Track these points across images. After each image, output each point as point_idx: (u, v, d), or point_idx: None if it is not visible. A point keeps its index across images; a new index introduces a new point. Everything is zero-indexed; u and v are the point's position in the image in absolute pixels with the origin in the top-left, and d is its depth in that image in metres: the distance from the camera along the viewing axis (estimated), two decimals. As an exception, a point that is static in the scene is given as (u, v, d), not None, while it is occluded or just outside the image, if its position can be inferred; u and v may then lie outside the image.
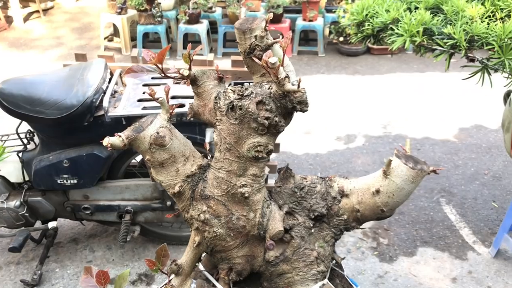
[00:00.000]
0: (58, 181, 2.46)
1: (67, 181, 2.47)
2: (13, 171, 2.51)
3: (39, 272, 2.62)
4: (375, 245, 2.92)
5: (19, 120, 2.46)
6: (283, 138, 4.00)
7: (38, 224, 2.74)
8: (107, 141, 1.27)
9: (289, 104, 1.30)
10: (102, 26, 6.13)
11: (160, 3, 5.81)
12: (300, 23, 5.84)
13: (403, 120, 4.38)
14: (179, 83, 2.45)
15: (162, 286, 1.50)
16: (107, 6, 6.04)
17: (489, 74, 1.87)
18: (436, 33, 1.87)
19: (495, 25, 1.80)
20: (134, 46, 6.09)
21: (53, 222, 2.69)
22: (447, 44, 1.82)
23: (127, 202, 2.58)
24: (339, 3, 6.14)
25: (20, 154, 2.46)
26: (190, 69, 1.32)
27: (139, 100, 2.36)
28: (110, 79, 2.48)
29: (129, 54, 5.82)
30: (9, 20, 7.08)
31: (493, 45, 1.78)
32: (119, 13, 5.88)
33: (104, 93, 2.36)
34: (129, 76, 1.28)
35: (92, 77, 2.36)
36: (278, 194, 1.52)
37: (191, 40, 6.13)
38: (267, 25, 1.31)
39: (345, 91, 5.01)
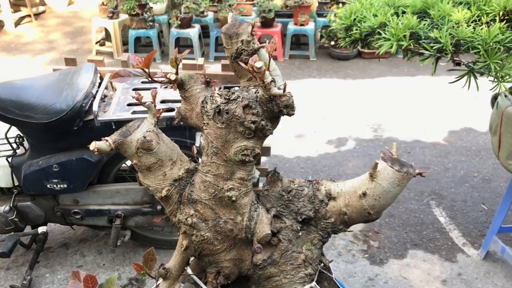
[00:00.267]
0: (48, 186, 2.45)
1: (57, 186, 2.46)
2: (2, 176, 2.50)
3: (28, 277, 2.60)
4: (366, 248, 2.93)
5: (8, 125, 2.46)
6: (275, 142, 4.02)
7: (28, 229, 2.73)
8: (94, 145, 1.27)
9: (275, 108, 1.31)
10: (94, 30, 6.12)
11: (151, 8, 5.81)
12: (292, 27, 5.87)
13: (393, 123, 4.41)
14: (166, 87, 2.46)
15: (150, 290, 1.51)
16: (98, 10, 6.04)
17: (475, 77, 1.89)
18: (423, 37, 1.88)
19: (481, 29, 1.83)
20: (126, 51, 6.09)
21: (43, 227, 2.68)
22: (434, 48, 1.83)
23: (117, 206, 2.58)
24: (330, 7, 6.17)
25: (9, 159, 2.45)
26: (177, 73, 1.33)
27: (129, 105, 2.37)
28: (100, 84, 2.48)
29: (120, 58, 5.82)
30: (0, 24, 7.05)
31: (479, 49, 1.80)
32: (111, 18, 5.87)
33: (94, 97, 2.36)
34: (116, 80, 1.28)
35: (82, 81, 2.36)
36: (265, 197, 1.52)
37: (183, 44, 6.14)
38: (254, 30, 1.32)
39: (336, 95, 5.03)
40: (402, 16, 2.04)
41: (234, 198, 1.39)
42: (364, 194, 1.45)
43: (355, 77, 5.47)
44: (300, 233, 1.50)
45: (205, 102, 1.36)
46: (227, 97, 1.30)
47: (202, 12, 5.96)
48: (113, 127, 2.30)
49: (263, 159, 3.75)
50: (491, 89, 1.87)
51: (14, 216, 2.51)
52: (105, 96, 2.47)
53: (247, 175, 1.41)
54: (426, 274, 2.73)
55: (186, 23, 5.70)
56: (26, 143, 2.53)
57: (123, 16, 5.99)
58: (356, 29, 2.11)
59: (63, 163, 2.40)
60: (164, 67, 5.73)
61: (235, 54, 1.34)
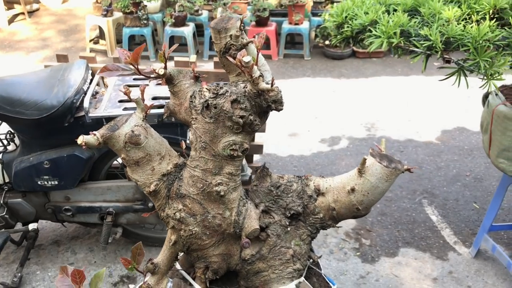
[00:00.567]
0: (39, 183, 2.45)
1: (47, 183, 2.45)
2: (-8, 173, 2.49)
3: (19, 274, 2.59)
4: (358, 246, 2.94)
5: (-1, 121, 2.45)
6: (268, 140, 4.02)
7: (18, 226, 2.72)
8: (81, 139, 1.27)
9: (264, 103, 1.31)
10: (88, 28, 6.11)
11: (146, 6, 5.80)
12: (286, 26, 5.88)
13: (387, 122, 4.42)
14: (159, 84, 2.45)
15: (139, 285, 1.50)
16: (92, 8, 6.03)
17: (465, 75, 1.90)
18: (413, 35, 1.89)
19: (471, 27, 1.84)
20: (120, 49, 6.06)
21: (34, 224, 2.67)
22: (424, 45, 1.84)
23: (109, 203, 2.57)
24: (325, 7, 6.19)
25: (0, 155, 2.44)
26: (165, 67, 1.33)
27: (120, 101, 2.37)
28: (91, 80, 2.47)
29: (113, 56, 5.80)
30: (-7, 22, 7.03)
31: (469, 46, 1.81)
32: (105, 16, 5.86)
33: (85, 94, 2.35)
34: (104, 74, 1.28)
35: (73, 77, 2.35)
36: (254, 192, 1.53)
37: (177, 43, 6.13)
38: (242, 24, 1.32)
39: (330, 94, 5.04)
40: (393, 14, 2.05)
41: (222, 193, 1.39)
42: (353, 189, 1.46)
43: (349, 77, 5.48)
44: (288, 228, 1.51)
45: (193, 96, 1.36)
46: (216, 92, 1.30)
47: (197, 11, 5.95)
48: (104, 123, 2.28)
49: (256, 157, 3.75)
50: (480, 87, 1.88)
51: (4, 213, 2.50)
52: (97, 92, 2.46)
53: (236, 170, 1.41)
54: (417, 272, 2.74)
55: (180, 22, 5.70)
56: (17, 140, 2.52)
57: (117, 14, 5.98)
58: (348, 27, 2.11)
59: (54, 160, 2.39)
60: (159, 65, 5.71)
61: (223, 49, 1.34)
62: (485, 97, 2.51)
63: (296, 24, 5.83)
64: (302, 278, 1.56)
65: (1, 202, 2.49)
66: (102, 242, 2.58)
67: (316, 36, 6.12)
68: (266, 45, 5.97)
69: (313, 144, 4.09)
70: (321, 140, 4.16)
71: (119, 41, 6.12)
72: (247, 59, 1.19)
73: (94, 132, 1.31)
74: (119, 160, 2.72)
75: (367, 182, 1.44)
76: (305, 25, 5.85)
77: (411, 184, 3.52)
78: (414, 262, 2.81)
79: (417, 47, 1.87)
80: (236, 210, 1.45)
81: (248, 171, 2.74)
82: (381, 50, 5.92)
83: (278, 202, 1.50)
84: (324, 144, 4.10)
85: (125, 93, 1.29)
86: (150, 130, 1.37)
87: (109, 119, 2.28)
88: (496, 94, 2.38)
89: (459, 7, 2.01)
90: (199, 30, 6.20)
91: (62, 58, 2.75)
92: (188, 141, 2.34)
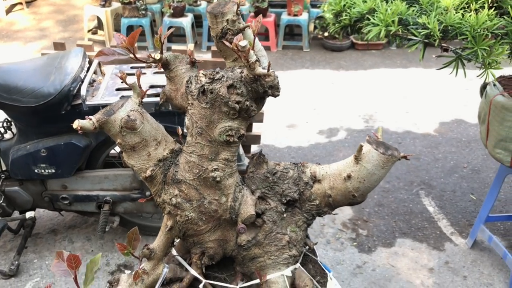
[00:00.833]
0: (36, 171, 2.44)
1: (44, 171, 2.45)
2: (-11, 161, 2.49)
3: (16, 262, 2.60)
4: (354, 236, 2.94)
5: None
6: (266, 131, 4.02)
7: (15, 214, 2.72)
8: (77, 124, 1.27)
9: (260, 89, 1.31)
10: (86, 18, 6.08)
11: (144, -4, 5.78)
12: (285, 17, 5.85)
13: (385, 114, 4.42)
14: (156, 72, 2.44)
15: (135, 271, 1.50)
16: (91, -2, 6.00)
17: (462, 64, 1.90)
18: (411, 23, 1.89)
19: (469, 16, 1.83)
20: (119, 39, 6.04)
21: (31, 212, 2.67)
22: (421, 33, 1.84)
23: (106, 192, 2.57)
24: (324, -2, 6.16)
25: (-4, 143, 2.44)
26: (161, 52, 1.32)
27: (118, 89, 2.36)
28: (88, 68, 2.47)
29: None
30: (-9, 12, 6.99)
31: (467, 35, 1.80)
32: (103, 6, 5.83)
33: (82, 81, 2.34)
34: (100, 59, 1.27)
35: (70, 65, 2.34)
36: (250, 179, 1.53)
37: (175, 34, 6.11)
38: (239, 9, 1.32)
39: (328, 86, 5.03)
40: (391, 2, 2.04)
41: (218, 179, 1.39)
42: (349, 176, 1.46)
43: (348, 68, 5.47)
44: (284, 215, 1.51)
45: (189, 82, 1.35)
46: (212, 77, 1.30)
47: (196, 1, 5.92)
48: (101, 111, 2.28)
49: (254, 147, 3.75)
50: (478, 76, 1.88)
51: (1, 201, 2.50)
52: (94, 80, 2.45)
53: (232, 156, 1.41)
54: (414, 262, 2.75)
55: (179, 12, 5.67)
56: (14, 128, 2.52)
57: (116, 5, 5.95)
58: (346, 15, 2.11)
59: (51, 148, 2.39)
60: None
61: (220, 33, 1.34)
62: (483, 87, 2.50)
63: (295, 15, 5.80)
64: (298, 265, 1.56)
65: (-2, 190, 2.49)
66: (99, 230, 2.58)
67: (315, 27, 6.10)
68: (265, 36, 5.95)
69: (311, 136, 4.09)
70: (319, 131, 4.16)
71: (117, 32, 6.08)
72: (243, 43, 1.19)
73: (90, 116, 1.31)
74: (117, 149, 2.72)
75: (364, 169, 1.44)
76: (304, 17, 5.82)
77: (409, 176, 3.52)
78: (410, 253, 2.82)
79: (415, 36, 1.87)
80: (232, 196, 1.45)
81: (246, 160, 2.74)
82: (380, 42, 5.91)
83: (274, 188, 1.50)
84: (322, 135, 4.10)
85: (121, 78, 1.29)
86: (146, 115, 1.37)
87: (106, 107, 2.27)
88: (494, 85, 2.38)
89: (457, -4, 2.01)
90: (197, 21, 6.17)
91: (59, 46, 2.74)
92: (185, 129, 2.34)
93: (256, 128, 3.11)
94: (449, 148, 3.89)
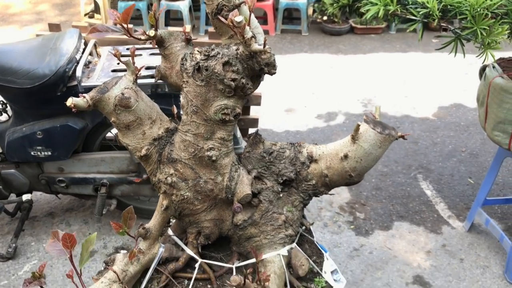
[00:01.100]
0: (32, 153, 2.43)
1: (41, 153, 2.43)
2: (-15, 143, 2.47)
3: (14, 245, 2.60)
4: (352, 219, 2.95)
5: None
6: (264, 115, 4.00)
7: (12, 197, 2.71)
8: (70, 101, 1.25)
9: (256, 66, 1.29)
10: (83, 2, 6.01)
11: (141, -21, 5.71)
12: (284, 1, 5.79)
13: (384, 98, 4.40)
14: (154, 54, 2.41)
15: (131, 250, 1.50)
16: (87, -18, 5.93)
17: (462, 44, 1.88)
18: (410, 2, 1.86)
19: (469, -5, 1.80)
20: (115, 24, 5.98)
21: (28, 195, 2.66)
22: (420, 13, 1.81)
23: (103, 175, 2.56)
24: (323, -18, 6.09)
25: (-8, 126, 2.42)
26: (156, 29, 1.30)
27: (113, 71, 2.33)
28: (84, 49, 2.44)
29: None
30: (-13, -5, 6.92)
31: (466, 15, 1.78)
32: (100, -11, 5.76)
33: (78, 63, 2.32)
34: (94, 35, 1.25)
35: (65, 46, 2.32)
36: (247, 159, 1.51)
37: (173, 17, 6.05)
38: (234, -15, 1.29)
39: (327, 70, 5.00)
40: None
41: (214, 158, 1.38)
42: (346, 156, 1.45)
43: (347, 53, 5.43)
44: (281, 195, 1.50)
45: (184, 59, 1.33)
46: (207, 54, 1.28)
47: (193, -15, 5.86)
48: (97, 93, 2.26)
49: (251, 131, 3.73)
50: (477, 56, 1.86)
51: (-2, 183, 2.50)
52: (90, 62, 2.43)
53: (228, 135, 1.40)
54: (411, 245, 2.76)
55: (176, -4, 5.61)
56: (9, 110, 2.50)
57: (113, -12, 5.88)
58: (344, -5, 2.08)
59: (47, 130, 2.37)
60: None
61: (215, 9, 1.31)
62: (482, 70, 2.48)
63: (294, -1, 5.75)
64: (294, 244, 1.56)
65: (-6, 172, 2.48)
66: (96, 213, 2.58)
67: (314, 11, 6.04)
68: (263, 20, 5.90)
69: (310, 120, 4.07)
70: (318, 116, 4.14)
71: (114, 16, 6.02)
72: (239, 19, 1.17)
73: (84, 94, 1.29)
74: (113, 131, 2.70)
75: (360, 149, 1.43)
76: (303, 0, 5.76)
77: (407, 159, 3.52)
78: (408, 236, 2.83)
79: (414, 15, 1.84)
80: (228, 176, 1.44)
81: (243, 144, 2.72)
82: (380, 26, 5.86)
83: (270, 168, 1.49)
84: (321, 119, 4.08)
85: (115, 55, 1.27)
86: (140, 93, 1.35)
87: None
88: (494, 67, 2.36)
89: (457, -25, 1.98)
90: (195, 5, 6.11)
91: (54, 27, 2.71)
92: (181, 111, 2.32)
93: (254, 111, 3.09)
94: (448, 132, 3.88)
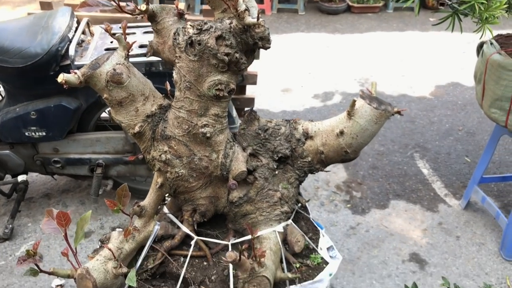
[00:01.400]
0: (26, 134, 2.41)
1: (35, 134, 2.42)
2: (-22, 124, 2.45)
3: (10, 226, 2.60)
4: (348, 198, 2.95)
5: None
6: (260, 95, 3.98)
7: (8, 178, 2.70)
8: (61, 77, 1.23)
9: (250, 40, 1.27)
10: (76, -18, 5.92)
11: (135, -42, 5.61)
12: (280, -20, 5.72)
13: (381, 77, 4.37)
14: (148, 32, 2.38)
15: (126, 228, 1.49)
16: (80, -39, 5.82)
17: (459, 19, 1.85)
18: (407, -23, 1.83)
19: (467, -32, 1.77)
20: (110, 4, 5.90)
21: (23, 176, 2.65)
22: (418, -13, 1.78)
23: (98, 155, 2.54)
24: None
25: (-15, 106, 2.40)
26: (147, 3, 1.27)
27: (107, 49, 2.30)
28: (77, 28, 2.40)
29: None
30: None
31: (464, -12, 1.75)
32: (93, -32, 5.67)
33: (70, 41, 2.28)
34: (84, 10, 1.23)
35: (57, 25, 2.28)
36: (242, 136, 1.50)
37: (168, -3, 5.97)
38: (227, -44, 1.26)
39: (324, 49, 4.96)
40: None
41: (208, 135, 1.37)
42: (342, 132, 1.43)
43: (344, 32, 5.38)
44: (276, 172, 1.49)
45: (177, 34, 1.31)
46: (200, 28, 1.26)
47: (188, -36, 5.77)
48: (91, 72, 2.23)
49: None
50: (475, 31, 1.84)
51: (-8, 164, 2.48)
52: (83, 41, 2.39)
53: (222, 112, 1.38)
54: (407, 223, 2.77)
55: (171, -25, 5.53)
56: (2, 90, 2.47)
57: (106, -33, 5.78)
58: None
59: (41, 110, 2.35)
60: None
61: (208, -17, 1.29)
62: (480, 46, 2.46)
63: (290, -23, 5.67)
64: (290, 221, 1.55)
65: (-11, 153, 2.46)
66: (92, 194, 2.57)
67: (310, -10, 5.98)
68: None
69: (306, 100, 4.05)
70: (314, 95, 4.12)
71: (108, -4, 5.94)
72: (231, -9, 1.14)
73: (75, 70, 1.27)
74: (108, 111, 2.68)
75: (356, 125, 1.42)
76: (299, -21, 5.70)
77: (403, 138, 3.51)
78: (404, 214, 2.83)
79: (411, -11, 1.81)
80: (223, 153, 1.42)
81: (239, 123, 2.71)
82: (377, 5, 5.80)
83: (266, 145, 1.48)
84: (317, 99, 4.06)
85: (106, 30, 1.24)
86: (132, 69, 1.33)
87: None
88: (491, 43, 2.34)
89: None
90: (190, -16, 6.03)
91: (46, 5, 2.66)
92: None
93: (250, 91, 3.07)
94: (445, 111, 3.87)
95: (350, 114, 1.43)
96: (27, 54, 2.17)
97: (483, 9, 1.75)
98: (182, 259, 1.53)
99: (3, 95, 2.45)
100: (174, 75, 1.34)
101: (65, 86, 1.25)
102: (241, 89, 2.89)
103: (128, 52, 1.31)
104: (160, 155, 1.40)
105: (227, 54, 1.25)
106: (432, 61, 4.67)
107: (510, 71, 2.19)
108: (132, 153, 2.53)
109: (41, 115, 2.35)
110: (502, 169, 3.20)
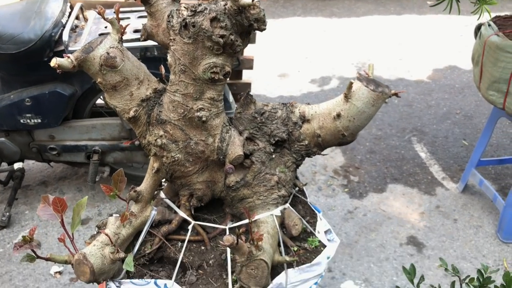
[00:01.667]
0: (21, 121, 2.39)
1: (30, 121, 2.40)
2: (-27, 111, 2.43)
3: (7, 214, 2.59)
4: (346, 183, 2.95)
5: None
6: (257, 80, 3.95)
7: (4, 166, 2.69)
8: (54, 62, 1.21)
9: (245, 22, 1.25)
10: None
11: None
12: (276, -36, 5.66)
13: (378, 62, 4.35)
14: (142, 16, 2.35)
15: (122, 213, 1.49)
16: None
17: (457, 1, 1.83)
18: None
19: None
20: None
21: (19, 163, 2.64)
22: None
23: (95, 142, 2.53)
24: None
25: (-21, 93, 2.37)
26: (140, -15, 1.25)
27: (101, 35, 2.27)
28: (70, 13, 2.37)
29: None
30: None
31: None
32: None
33: (64, 27, 2.26)
34: (75, -8, 1.20)
35: (51, 10, 2.25)
36: (238, 120, 1.49)
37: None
38: None
39: (321, 34, 4.92)
40: None
41: (204, 119, 1.35)
42: (338, 115, 1.42)
43: (341, 16, 5.34)
44: (273, 156, 1.48)
45: (171, 16, 1.29)
46: (194, 9, 1.23)
47: None
48: (85, 57, 2.21)
49: (245, 97, 3.70)
50: (472, 12, 1.81)
51: (-12, 152, 2.47)
52: (76, 26, 2.36)
53: (218, 95, 1.37)
54: (405, 207, 2.77)
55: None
56: (-4, 77, 2.45)
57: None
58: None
59: (36, 97, 2.33)
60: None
61: (202, -37, 1.26)
62: (478, 28, 2.44)
63: (286, -39, 5.61)
64: (287, 205, 1.55)
65: (-16, 141, 2.45)
66: (89, 181, 2.56)
67: (307, -26, 5.91)
68: (256, -16, 5.76)
69: (303, 85, 4.03)
70: (311, 80, 4.10)
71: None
72: (226, -29, 1.12)
73: (68, 54, 1.25)
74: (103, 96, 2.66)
75: (353, 107, 1.40)
76: (295, -37, 5.63)
77: (401, 122, 3.50)
78: (402, 198, 2.84)
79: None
80: (219, 137, 1.41)
81: (235, 108, 2.69)
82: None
83: (262, 129, 1.47)
84: (314, 84, 4.04)
85: (99, 13, 1.22)
86: (126, 53, 1.31)
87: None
88: (489, 25, 2.32)
89: None
90: (185, -31, 5.95)
91: (38, -9, 2.62)
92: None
93: (246, 76, 3.05)
94: (442, 95, 3.86)
95: (347, 97, 1.41)
96: (20, 40, 2.14)
97: (481, -11, 1.72)
98: (179, 244, 1.53)
99: (-3, 82, 2.43)
100: (169, 58, 1.32)
101: (58, 71, 1.23)
102: (238, 74, 2.87)
103: (122, 35, 1.29)
104: (155, 140, 1.39)
105: (222, 36, 1.23)
106: (430, 45, 4.65)
107: (508, 53, 2.18)
108: (128, 139, 2.51)
109: (36, 102, 2.34)
110: (500, 152, 3.20)
